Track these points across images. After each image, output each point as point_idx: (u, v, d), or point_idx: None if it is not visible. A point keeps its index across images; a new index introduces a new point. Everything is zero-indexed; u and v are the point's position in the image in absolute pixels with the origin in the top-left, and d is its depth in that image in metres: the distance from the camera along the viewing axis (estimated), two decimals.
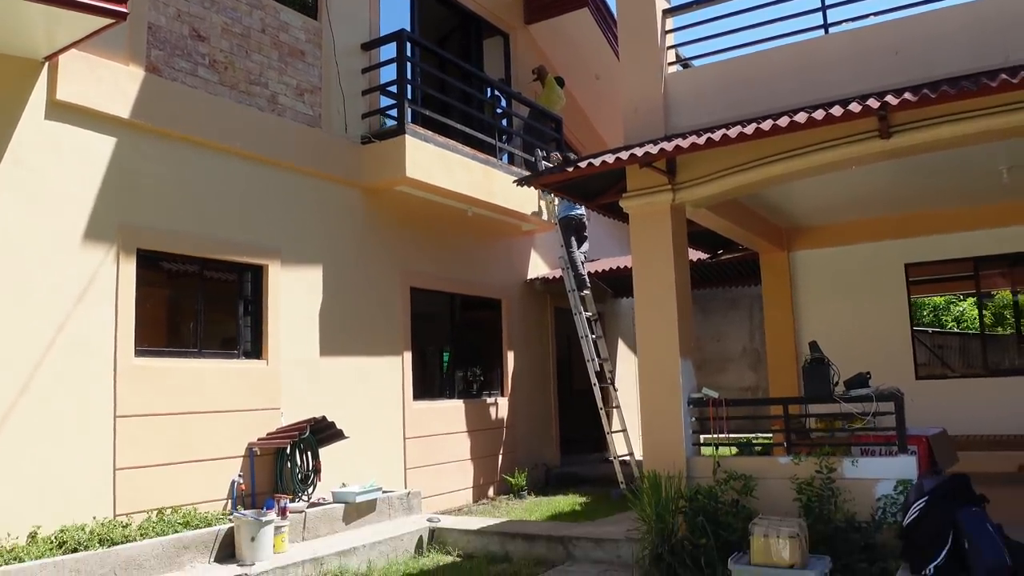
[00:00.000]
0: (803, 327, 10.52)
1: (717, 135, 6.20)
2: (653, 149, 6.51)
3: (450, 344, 11.16)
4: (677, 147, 6.38)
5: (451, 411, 10.53)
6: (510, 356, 11.80)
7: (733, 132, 6.11)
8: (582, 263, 11.30)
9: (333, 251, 9.11)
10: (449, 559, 7.58)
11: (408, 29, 10.04)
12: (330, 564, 6.90)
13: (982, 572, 4.80)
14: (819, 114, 5.91)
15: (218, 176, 7.96)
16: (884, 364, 10.00)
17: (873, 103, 5.74)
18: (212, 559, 6.69)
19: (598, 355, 10.91)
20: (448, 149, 9.89)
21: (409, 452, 9.75)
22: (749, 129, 6.08)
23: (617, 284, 13.81)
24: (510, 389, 11.69)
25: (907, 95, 5.72)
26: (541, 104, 12.48)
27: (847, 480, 6.09)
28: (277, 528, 6.98)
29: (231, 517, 6.96)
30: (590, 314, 11.19)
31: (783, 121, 5.97)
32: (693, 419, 6.92)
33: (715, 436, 6.70)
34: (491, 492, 10.96)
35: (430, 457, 10.01)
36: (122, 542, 6.19)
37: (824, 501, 5.95)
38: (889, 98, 5.76)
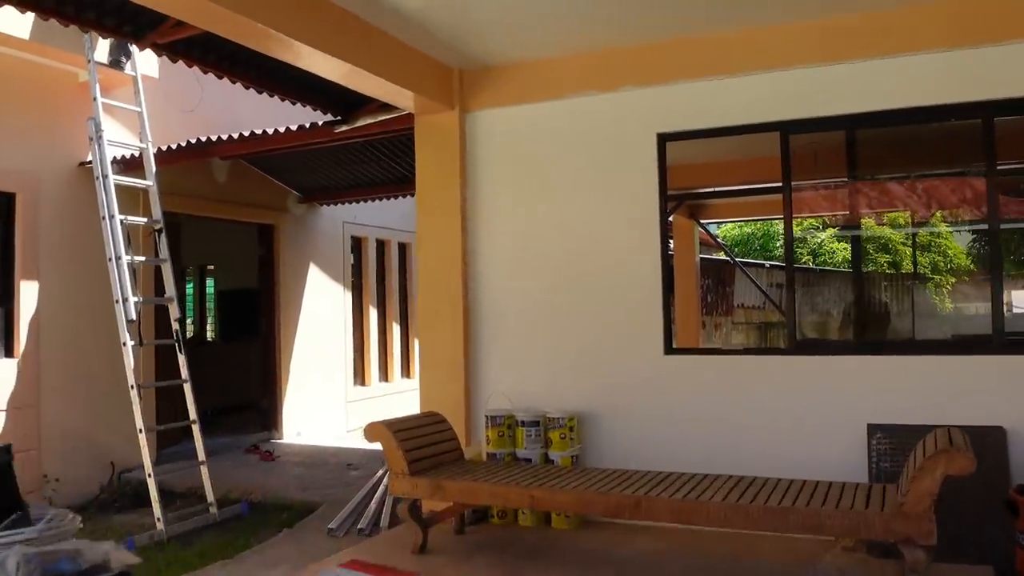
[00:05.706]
0: (480, 246, 5.83)
1: None
2: None
3: None
4: None
5: None
6: (30, 288, 6.97)
7: None
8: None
9: None
10: None
11: None
12: None
13: None
14: None
15: None
16: (621, 322, 5.44)
17: None
18: None
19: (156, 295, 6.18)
20: None
21: None
22: None
23: (302, 172, 9.32)
24: (27, 343, 6.91)
25: None
26: None
27: None
28: None
29: None
30: (148, 220, 6.52)
31: None
32: None
33: None
34: None
35: None
36: None
37: None
38: None
